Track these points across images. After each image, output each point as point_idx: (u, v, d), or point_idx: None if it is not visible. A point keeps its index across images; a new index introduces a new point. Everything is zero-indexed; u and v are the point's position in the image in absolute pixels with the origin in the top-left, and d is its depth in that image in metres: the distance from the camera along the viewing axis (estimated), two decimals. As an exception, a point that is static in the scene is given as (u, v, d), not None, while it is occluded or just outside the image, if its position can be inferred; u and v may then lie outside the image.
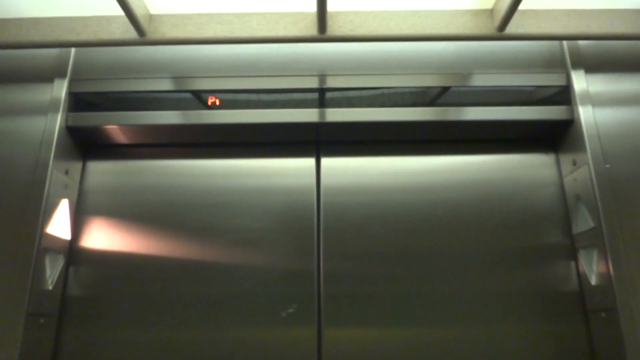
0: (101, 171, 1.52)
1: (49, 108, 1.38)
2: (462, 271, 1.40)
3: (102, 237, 1.45)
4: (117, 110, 1.43)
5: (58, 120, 1.37)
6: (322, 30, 1.31)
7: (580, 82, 1.40)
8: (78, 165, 1.49)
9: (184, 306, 1.38)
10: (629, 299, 1.21)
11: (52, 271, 1.33)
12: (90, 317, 1.37)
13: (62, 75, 1.42)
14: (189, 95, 1.45)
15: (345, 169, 1.51)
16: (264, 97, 1.44)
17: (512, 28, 1.31)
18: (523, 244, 1.43)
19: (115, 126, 1.43)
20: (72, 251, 1.43)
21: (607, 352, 1.25)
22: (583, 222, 1.35)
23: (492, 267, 1.41)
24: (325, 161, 1.51)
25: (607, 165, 1.31)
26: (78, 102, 1.43)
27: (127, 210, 1.47)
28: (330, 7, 1.29)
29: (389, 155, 1.52)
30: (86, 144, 1.51)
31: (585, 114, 1.36)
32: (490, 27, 1.33)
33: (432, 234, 1.43)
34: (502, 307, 1.37)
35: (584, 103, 1.37)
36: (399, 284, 1.39)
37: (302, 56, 1.48)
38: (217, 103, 1.43)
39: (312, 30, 1.33)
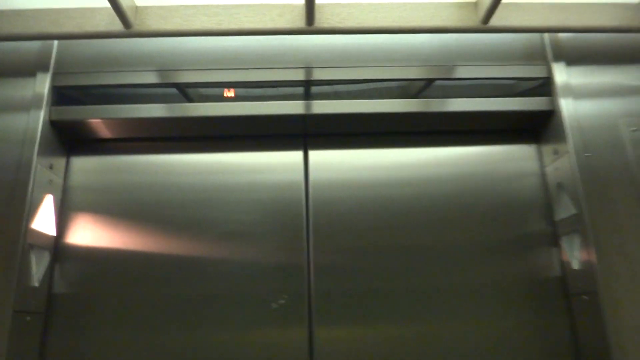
0: (86, 167, 1.49)
1: (32, 102, 1.35)
2: (449, 262, 1.43)
3: (88, 233, 1.42)
4: (101, 104, 1.41)
5: (42, 115, 1.34)
6: (310, 22, 1.31)
7: (561, 73, 1.43)
8: (62, 160, 1.46)
9: (173, 303, 1.37)
10: (610, 282, 1.25)
11: (38, 268, 1.31)
12: (78, 315, 1.35)
13: (45, 68, 1.39)
14: (174, 88, 1.44)
15: (333, 163, 1.52)
16: (251, 90, 1.44)
17: (495, 21, 1.34)
18: (507, 233, 1.46)
19: (100, 120, 1.41)
20: (57, 248, 1.40)
21: (588, 333, 1.30)
22: (565, 210, 1.39)
23: (478, 256, 1.44)
24: (313, 154, 1.52)
25: (587, 154, 1.35)
26: (61, 96, 1.41)
27: (113, 207, 1.45)
28: (318, -1, 1.30)
29: (376, 148, 1.54)
30: (70, 139, 1.49)
31: (566, 105, 1.40)
32: (474, 20, 1.35)
33: (420, 227, 1.46)
34: (488, 295, 1.40)
35: (564, 94, 1.41)
36: (388, 277, 1.41)
37: (289, 48, 1.49)
38: (204, 96, 1.43)
39: (299, 22, 1.33)
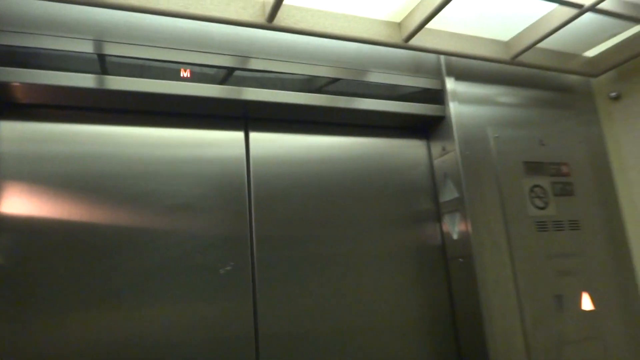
0: (18, 132, 1.40)
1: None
2: (358, 231, 1.74)
3: (23, 203, 1.36)
4: (28, 68, 1.34)
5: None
6: (271, 19, 1.46)
7: (451, 86, 1.84)
8: (-9, 124, 1.36)
9: (122, 274, 1.41)
10: (479, 248, 1.70)
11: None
12: (18, 288, 1.31)
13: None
14: (122, 60, 1.45)
15: (270, 142, 1.69)
16: (205, 72, 1.52)
17: (414, 41, 1.66)
18: (402, 210, 1.84)
19: (29, 84, 1.33)
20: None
21: (462, 287, 1.74)
22: (449, 193, 1.81)
23: (380, 227, 1.78)
24: (253, 134, 1.67)
25: (467, 152, 1.78)
26: (3, 56, 1.30)
27: (52, 176, 1.41)
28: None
29: (305, 134, 1.76)
30: (7, 103, 1.38)
31: (454, 113, 1.81)
32: (398, 37, 1.66)
33: (339, 201, 1.74)
34: (388, 258, 1.76)
35: (453, 104, 1.82)
36: (316, 244, 1.66)
37: (241, 38, 1.61)
38: (155, 73, 1.46)
39: (260, 17, 1.47)
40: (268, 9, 1.44)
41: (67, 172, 1.43)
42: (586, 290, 1.84)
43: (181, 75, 1.48)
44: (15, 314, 1.30)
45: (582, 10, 1.56)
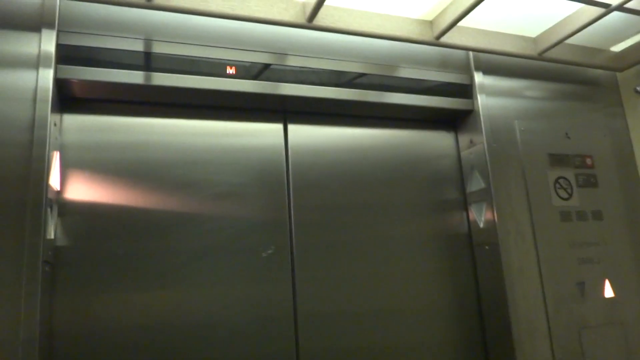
0: (80, 125, 1.53)
1: (41, 59, 1.36)
2: (390, 218, 1.84)
3: (85, 189, 1.49)
4: (105, 67, 1.47)
5: (51, 73, 1.37)
6: (310, 19, 1.56)
7: (479, 80, 1.92)
8: (58, 117, 1.49)
9: (172, 255, 1.53)
10: (504, 236, 1.79)
11: (51, 222, 1.37)
12: (79, 266, 1.44)
13: (51, 25, 1.40)
14: (174, 59, 1.56)
15: (307, 134, 1.80)
16: (250, 69, 1.63)
17: (445, 38, 1.74)
18: (432, 198, 1.93)
19: (105, 82, 1.46)
20: (60, 203, 1.46)
21: (487, 272, 1.83)
22: (475, 184, 1.90)
23: (410, 215, 1.88)
24: (292, 127, 1.78)
25: (494, 145, 1.86)
26: (65, 54, 1.43)
27: (109, 164, 1.54)
28: None
29: (340, 126, 1.86)
30: (67, 97, 1.51)
31: (482, 106, 1.89)
32: (430, 35, 1.74)
33: (372, 189, 1.84)
34: (417, 244, 1.86)
35: (481, 97, 1.90)
36: (350, 229, 1.77)
37: (284, 37, 1.71)
38: (204, 71, 1.58)
39: (301, 17, 1.57)
40: (309, 9, 1.54)
41: (123, 160, 1.56)
42: (607, 277, 1.92)
43: (227, 72, 1.60)
44: (76, 291, 1.44)
45: (609, 9, 1.62)
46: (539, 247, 1.83)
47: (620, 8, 1.63)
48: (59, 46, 1.42)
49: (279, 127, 1.77)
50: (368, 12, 1.67)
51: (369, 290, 1.74)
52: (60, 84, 1.44)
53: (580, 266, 1.89)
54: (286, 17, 1.56)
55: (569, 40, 1.93)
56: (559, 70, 2.14)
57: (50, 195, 1.34)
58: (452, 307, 1.85)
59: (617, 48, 2.15)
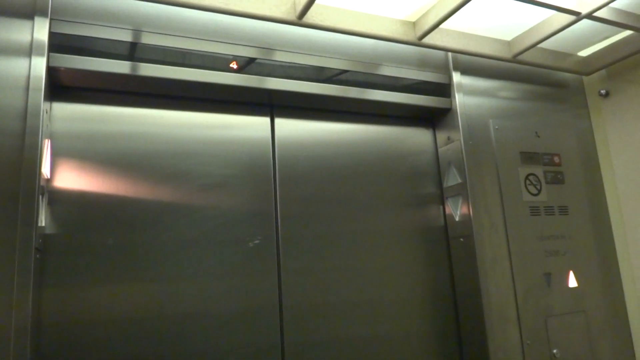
0: (69, 114, 1.54)
1: (34, 47, 1.36)
2: (370, 211, 1.92)
3: (74, 177, 1.50)
4: (97, 57, 1.48)
5: (44, 61, 1.37)
6: (300, 17, 1.61)
7: (457, 80, 2.01)
8: (48, 105, 1.49)
9: (160, 245, 1.56)
10: (478, 229, 1.89)
11: (42, 209, 1.38)
12: (68, 254, 1.46)
13: (44, 13, 1.40)
14: (167, 51, 1.58)
15: (293, 127, 1.85)
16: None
17: (427, 39, 1.82)
18: (410, 192, 2.02)
19: (97, 71, 1.47)
20: (49, 191, 1.47)
21: (462, 264, 1.93)
22: (452, 179, 1.99)
23: (388, 208, 1.96)
24: (278, 120, 1.83)
25: (470, 142, 1.96)
26: (57, 43, 1.44)
27: (97, 154, 1.55)
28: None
29: (325, 121, 1.92)
30: (57, 86, 1.51)
31: (459, 105, 1.98)
32: (412, 36, 1.81)
33: (353, 182, 1.91)
34: (395, 236, 1.94)
35: (459, 96, 1.99)
36: (333, 222, 1.83)
37: (277, 34, 1.75)
38: (201, 64, 1.61)
39: (291, 15, 1.62)
40: (299, 7, 1.59)
41: (112, 150, 1.57)
42: (572, 269, 2.05)
43: (216, 65, 1.63)
44: (63, 279, 1.45)
45: (579, 17, 1.73)
46: (510, 240, 1.94)
47: (589, 16, 1.74)
48: (51, 34, 1.43)
49: (266, 120, 1.82)
50: (356, 11, 1.73)
51: (350, 281, 1.81)
52: (51, 72, 1.45)
53: (547, 258, 2.01)
54: (277, 14, 1.60)
55: (541, 45, 2.05)
56: (531, 72, 2.26)
57: (41, 183, 1.35)
58: (428, 296, 1.94)
59: (584, 53, 2.28)
